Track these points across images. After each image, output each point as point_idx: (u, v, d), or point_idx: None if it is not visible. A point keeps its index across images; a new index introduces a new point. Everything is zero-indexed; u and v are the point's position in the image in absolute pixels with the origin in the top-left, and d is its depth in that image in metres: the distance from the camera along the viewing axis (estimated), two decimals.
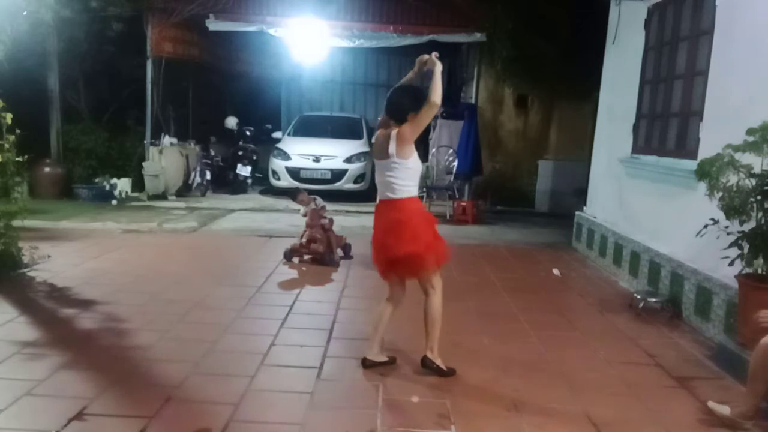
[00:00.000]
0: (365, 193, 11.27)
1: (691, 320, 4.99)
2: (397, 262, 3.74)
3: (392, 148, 3.68)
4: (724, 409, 3.32)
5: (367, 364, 3.88)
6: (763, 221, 3.91)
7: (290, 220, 8.72)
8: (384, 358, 3.94)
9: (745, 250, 3.97)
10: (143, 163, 10.68)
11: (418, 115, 3.68)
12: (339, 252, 6.86)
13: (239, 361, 3.91)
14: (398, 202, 3.75)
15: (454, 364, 3.96)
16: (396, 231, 3.71)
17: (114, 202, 10.17)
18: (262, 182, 12.29)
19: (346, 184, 11.13)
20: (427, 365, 3.83)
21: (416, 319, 3.91)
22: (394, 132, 3.70)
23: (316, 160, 11.47)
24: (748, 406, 3.25)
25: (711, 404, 3.42)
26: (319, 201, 6.81)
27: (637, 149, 6.59)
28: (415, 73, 3.86)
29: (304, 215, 6.73)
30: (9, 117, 5.57)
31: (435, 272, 3.80)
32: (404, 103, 3.74)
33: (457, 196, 10.34)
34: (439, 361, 3.82)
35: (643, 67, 6.52)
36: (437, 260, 3.81)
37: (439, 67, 3.70)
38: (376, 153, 3.85)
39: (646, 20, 6.47)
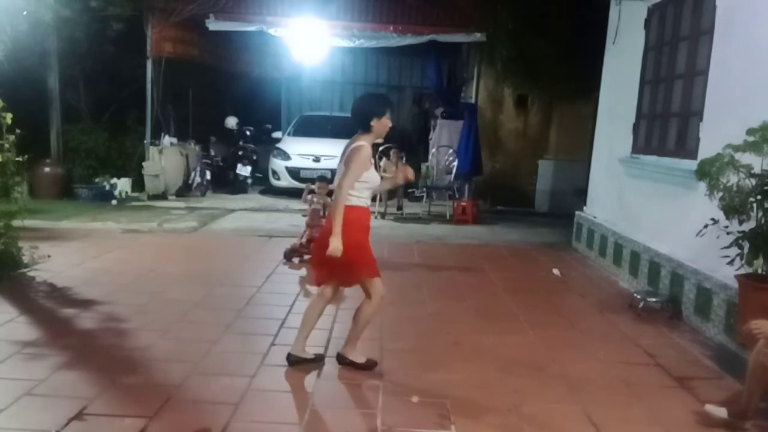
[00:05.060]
0: None
1: (691, 320, 4.99)
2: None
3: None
4: (722, 412, 3.31)
5: (291, 360, 3.86)
6: (763, 221, 3.91)
7: (290, 220, 8.72)
8: (309, 355, 3.91)
9: (745, 250, 3.97)
10: (143, 163, 10.68)
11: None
12: None
13: (239, 361, 3.91)
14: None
15: (454, 364, 3.97)
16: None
17: (114, 202, 10.16)
18: (262, 182, 12.29)
19: None
20: (341, 361, 3.86)
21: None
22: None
23: (316, 160, 11.47)
24: (747, 407, 3.25)
25: (708, 407, 3.40)
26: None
27: (637, 149, 6.58)
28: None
29: (305, 215, 6.73)
30: (9, 117, 5.56)
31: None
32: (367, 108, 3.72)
33: (457, 196, 10.32)
34: (353, 356, 3.84)
35: (643, 67, 6.52)
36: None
37: None
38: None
39: (646, 20, 6.47)
